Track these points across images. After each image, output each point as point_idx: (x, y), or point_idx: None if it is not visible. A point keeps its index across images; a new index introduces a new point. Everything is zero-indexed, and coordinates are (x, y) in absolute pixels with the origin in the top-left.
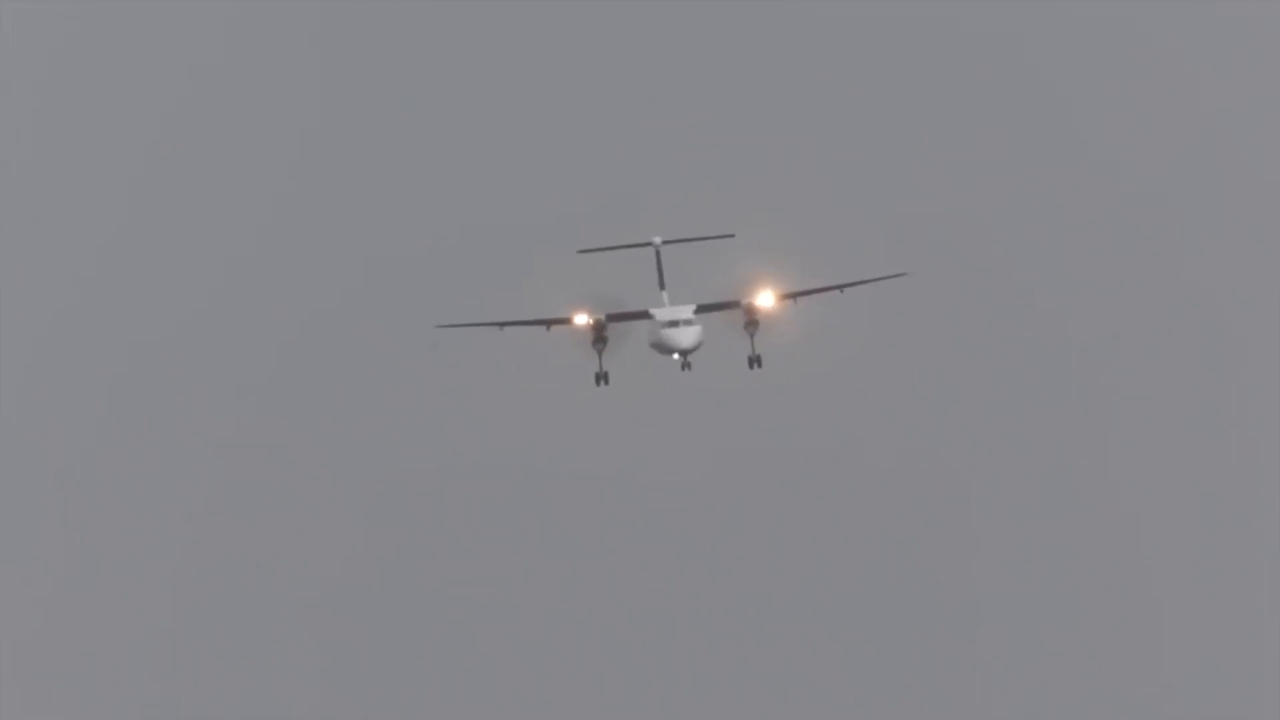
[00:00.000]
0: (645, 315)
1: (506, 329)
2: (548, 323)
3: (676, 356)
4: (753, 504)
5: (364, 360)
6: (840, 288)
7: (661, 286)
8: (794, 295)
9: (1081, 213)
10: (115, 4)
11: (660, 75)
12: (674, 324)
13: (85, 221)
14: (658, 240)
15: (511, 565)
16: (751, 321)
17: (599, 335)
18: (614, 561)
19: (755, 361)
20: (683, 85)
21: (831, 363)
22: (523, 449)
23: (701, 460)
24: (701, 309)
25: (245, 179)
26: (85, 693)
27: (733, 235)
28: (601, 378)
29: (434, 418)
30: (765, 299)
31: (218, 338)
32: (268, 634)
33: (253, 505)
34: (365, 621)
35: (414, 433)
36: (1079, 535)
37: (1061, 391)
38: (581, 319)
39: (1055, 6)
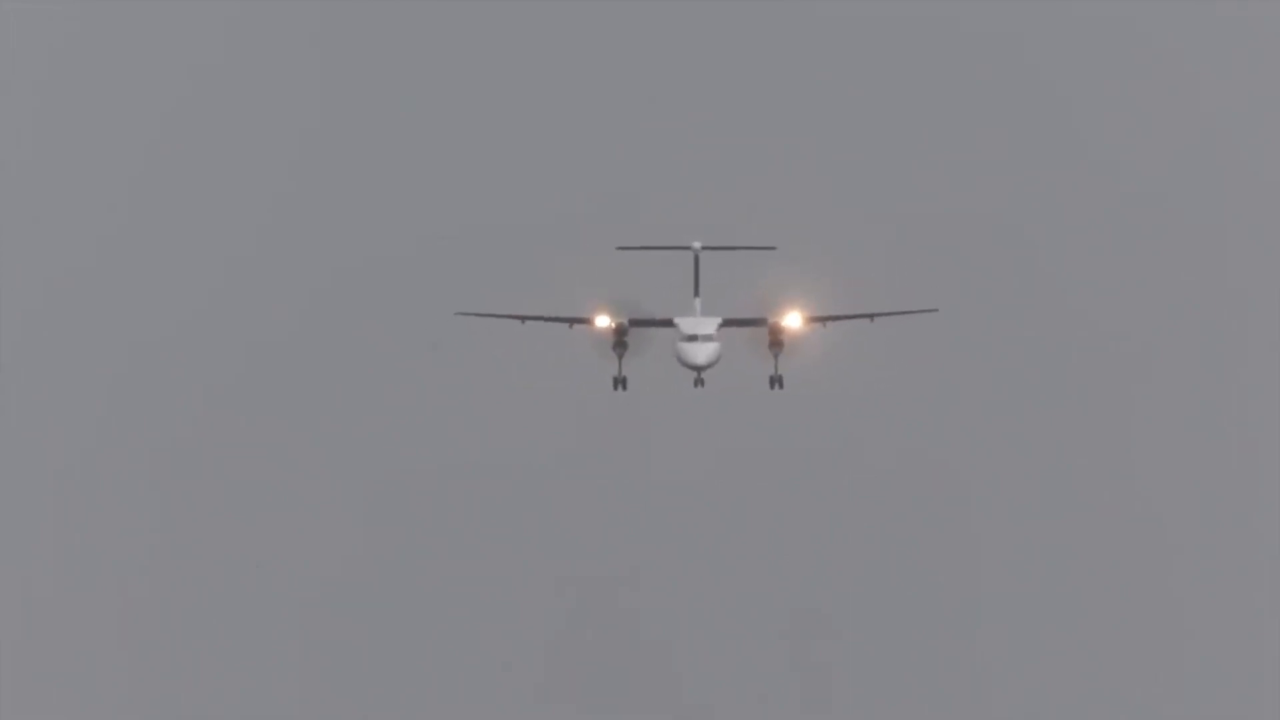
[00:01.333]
0: (669, 324)
1: (527, 323)
2: (570, 321)
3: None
4: (750, 521)
5: (382, 351)
6: (871, 316)
7: (695, 293)
8: (823, 319)
9: (1132, 258)
10: (116, 4)
11: (722, 80)
12: (693, 338)
13: (89, 216)
14: (697, 245)
15: (507, 567)
16: (776, 341)
17: (619, 339)
18: (608, 570)
19: (777, 382)
20: (743, 92)
21: (854, 391)
22: (528, 448)
23: (705, 474)
24: (727, 323)
25: (262, 172)
26: (84, 693)
27: (774, 248)
28: (619, 382)
29: (443, 412)
30: (792, 320)
31: (232, 326)
32: (275, 633)
33: (257, 501)
34: (369, 621)
35: (421, 427)
36: (1111, 572)
37: (1097, 435)
38: (603, 321)
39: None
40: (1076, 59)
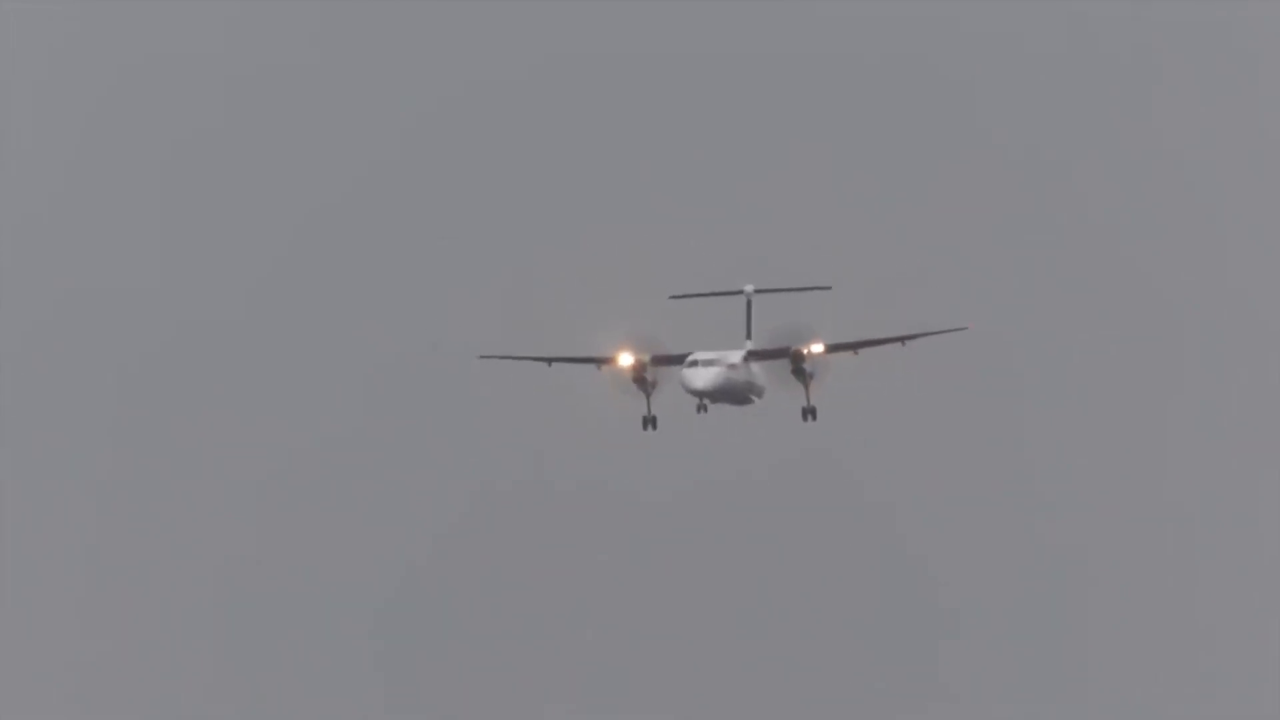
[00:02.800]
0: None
1: (555, 365)
2: (597, 361)
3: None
4: (775, 559)
5: (410, 395)
6: (902, 340)
7: (749, 336)
8: (852, 346)
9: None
10: (115, 4)
11: (773, 122)
12: (693, 364)
13: (93, 221)
14: (749, 289)
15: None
16: (799, 370)
17: (639, 375)
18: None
19: (810, 414)
20: (791, 133)
21: (887, 421)
22: (558, 488)
23: (730, 509)
24: (753, 355)
25: (281, 206)
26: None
27: (829, 287)
28: (649, 422)
29: (469, 451)
30: (814, 347)
31: (254, 359)
32: (285, 660)
33: (277, 529)
34: (388, 650)
35: (445, 467)
36: (1145, 596)
37: (1130, 457)
38: (625, 359)
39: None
40: (1120, 78)
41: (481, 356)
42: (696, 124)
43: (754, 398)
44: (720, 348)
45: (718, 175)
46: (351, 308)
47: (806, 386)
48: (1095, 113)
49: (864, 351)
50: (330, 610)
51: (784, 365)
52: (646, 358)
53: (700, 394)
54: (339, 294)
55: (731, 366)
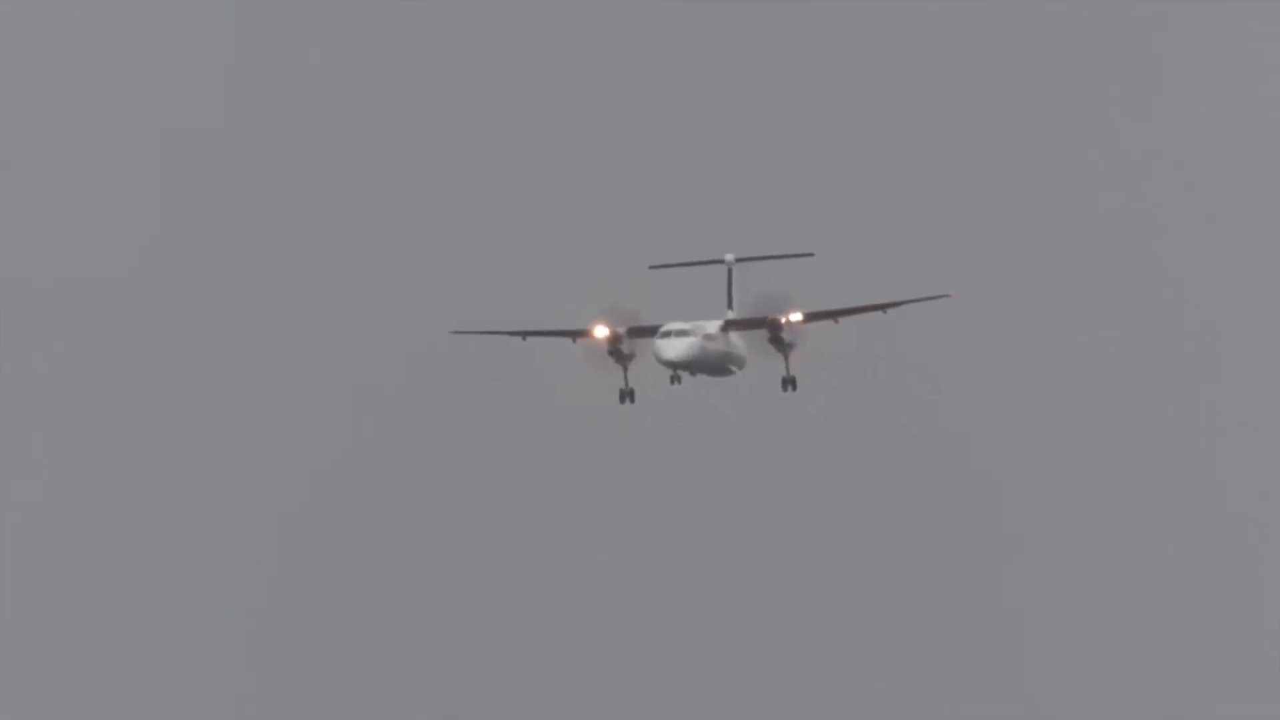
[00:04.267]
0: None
1: (530, 339)
2: (572, 334)
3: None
4: (758, 531)
5: (387, 370)
6: (883, 308)
7: (730, 306)
8: (832, 314)
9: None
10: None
11: (751, 88)
12: (666, 335)
13: (88, 218)
14: (730, 258)
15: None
16: (777, 339)
17: (615, 348)
18: (608, 588)
19: (790, 384)
20: (769, 100)
21: (868, 391)
22: (537, 464)
23: (711, 483)
24: (730, 325)
25: (259, 179)
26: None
27: (812, 254)
28: (626, 395)
29: (444, 427)
30: (793, 316)
31: (224, 335)
32: (273, 643)
33: (253, 509)
34: (366, 633)
35: (421, 443)
36: (1131, 574)
37: (1115, 423)
38: (600, 331)
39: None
40: (1085, 53)
41: (454, 332)
42: (676, 94)
43: (733, 368)
44: (702, 318)
45: (698, 145)
46: (324, 284)
47: (786, 356)
48: (1083, 75)
49: (844, 320)
50: (297, 587)
51: (763, 334)
52: (622, 329)
53: (673, 365)
54: (311, 270)
55: (707, 337)
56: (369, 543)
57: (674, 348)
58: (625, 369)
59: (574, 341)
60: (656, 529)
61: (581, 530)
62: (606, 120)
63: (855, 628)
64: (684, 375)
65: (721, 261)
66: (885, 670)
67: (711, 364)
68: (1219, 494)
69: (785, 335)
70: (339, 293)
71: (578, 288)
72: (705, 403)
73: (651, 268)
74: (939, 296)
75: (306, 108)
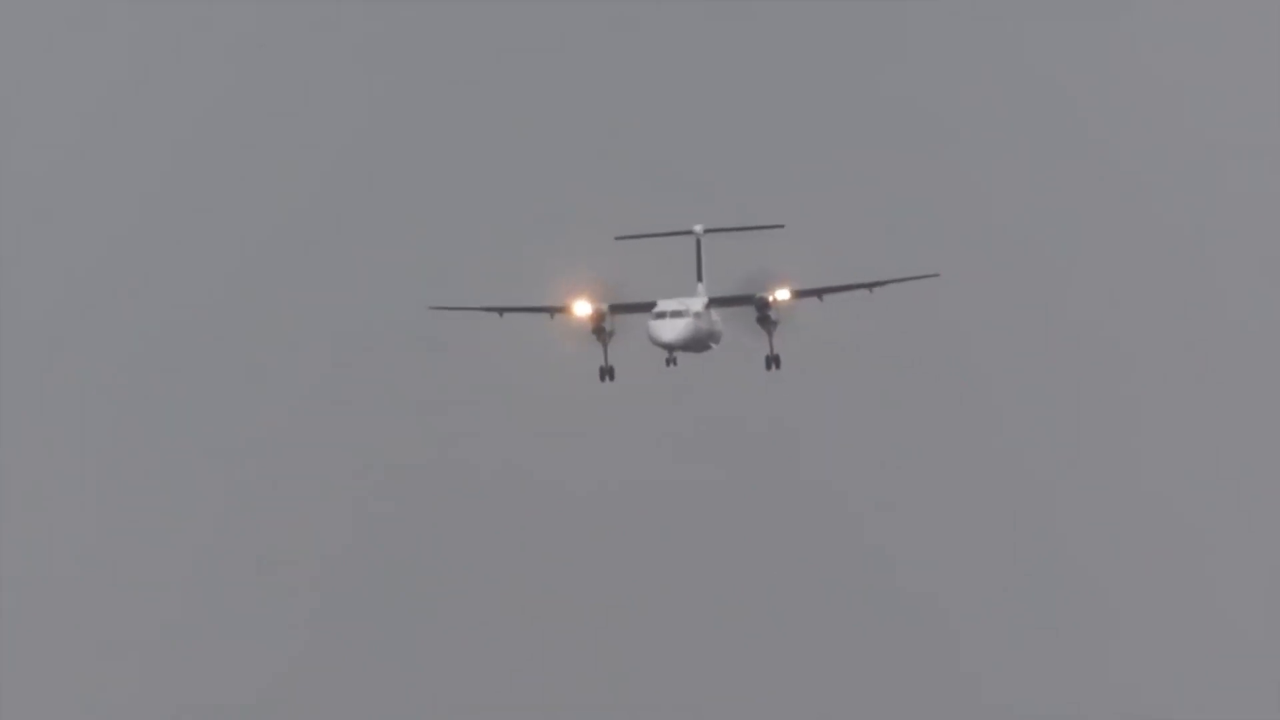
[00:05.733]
0: (650, 306)
1: (505, 315)
2: (550, 310)
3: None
4: (734, 512)
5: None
6: (869, 286)
7: (699, 278)
8: (818, 291)
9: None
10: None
11: (710, 59)
12: (661, 315)
13: (84, 209)
14: (699, 229)
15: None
16: (765, 318)
17: (598, 325)
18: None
19: (773, 362)
20: (738, 74)
21: (853, 370)
22: (515, 442)
23: (691, 464)
24: (715, 302)
25: (249, 160)
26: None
27: (783, 226)
28: (606, 373)
29: (419, 405)
30: (780, 293)
31: (203, 314)
32: (253, 628)
33: (230, 493)
34: (345, 623)
35: (396, 422)
36: (1113, 564)
37: (1097, 408)
38: (582, 308)
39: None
40: (1070, 38)
41: (432, 307)
42: (646, 63)
43: (713, 344)
44: (670, 290)
45: (666, 113)
46: (301, 262)
47: (770, 334)
48: (1069, 56)
49: (829, 298)
50: (277, 571)
51: (747, 313)
52: (605, 306)
53: (669, 346)
54: (289, 248)
55: (697, 315)
56: (334, 522)
57: (672, 329)
58: (605, 346)
59: (551, 318)
60: (642, 515)
61: (566, 517)
62: (577, 91)
63: (832, 618)
64: (669, 355)
65: (690, 233)
66: (866, 656)
67: (700, 342)
68: (1213, 477)
69: (771, 313)
70: (317, 269)
71: (542, 261)
72: (688, 382)
73: (617, 239)
74: (926, 276)
75: (292, 89)
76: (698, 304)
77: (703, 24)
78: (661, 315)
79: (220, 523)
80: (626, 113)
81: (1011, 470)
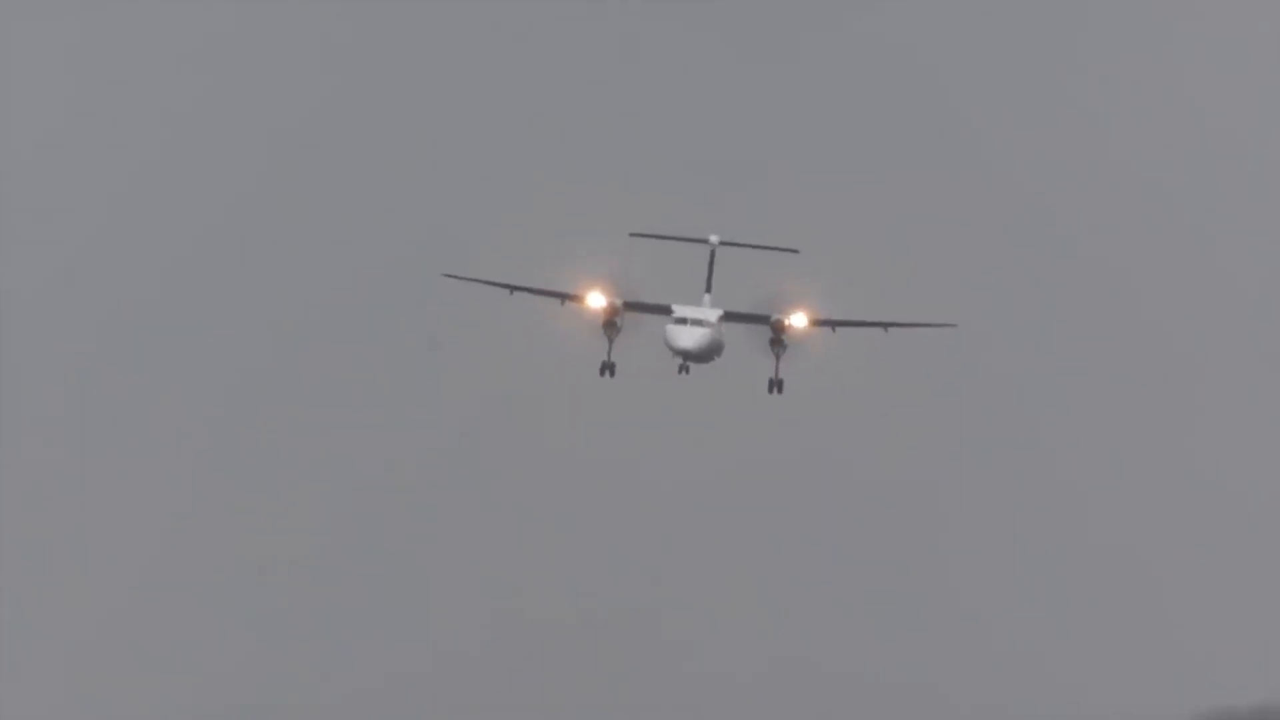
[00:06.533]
0: (666, 310)
1: (517, 294)
2: (562, 296)
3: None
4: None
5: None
6: (885, 326)
7: (708, 289)
8: (833, 323)
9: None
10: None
11: (758, 77)
12: (682, 321)
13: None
14: (714, 239)
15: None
16: (777, 341)
17: (610, 320)
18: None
19: (776, 386)
20: (775, 92)
21: (854, 405)
22: (506, 430)
23: (680, 471)
24: (730, 317)
25: (267, 125)
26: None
27: (797, 251)
28: (607, 368)
29: (413, 381)
30: (797, 319)
31: (211, 273)
32: (243, 614)
33: (217, 469)
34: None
35: (397, 389)
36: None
37: (1102, 463)
38: (597, 300)
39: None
40: (1108, 70)
41: (445, 275)
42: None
43: (716, 357)
44: (676, 297)
45: (700, 126)
46: (310, 251)
47: (778, 358)
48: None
49: (842, 332)
50: (270, 540)
51: (758, 332)
52: (619, 302)
53: (685, 352)
54: (308, 206)
55: (713, 326)
56: (335, 487)
57: (691, 336)
58: (611, 341)
59: (562, 304)
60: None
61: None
62: (611, 94)
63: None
64: (682, 363)
65: (705, 241)
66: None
67: (711, 354)
68: (1231, 513)
69: (784, 337)
70: (326, 255)
71: (552, 248)
72: (689, 390)
73: (632, 235)
74: (944, 325)
75: (305, 65)
76: (713, 315)
77: (756, 50)
78: (683, 321)
79: (210, 496)
80: (661, 119)
81: (1000, 530)
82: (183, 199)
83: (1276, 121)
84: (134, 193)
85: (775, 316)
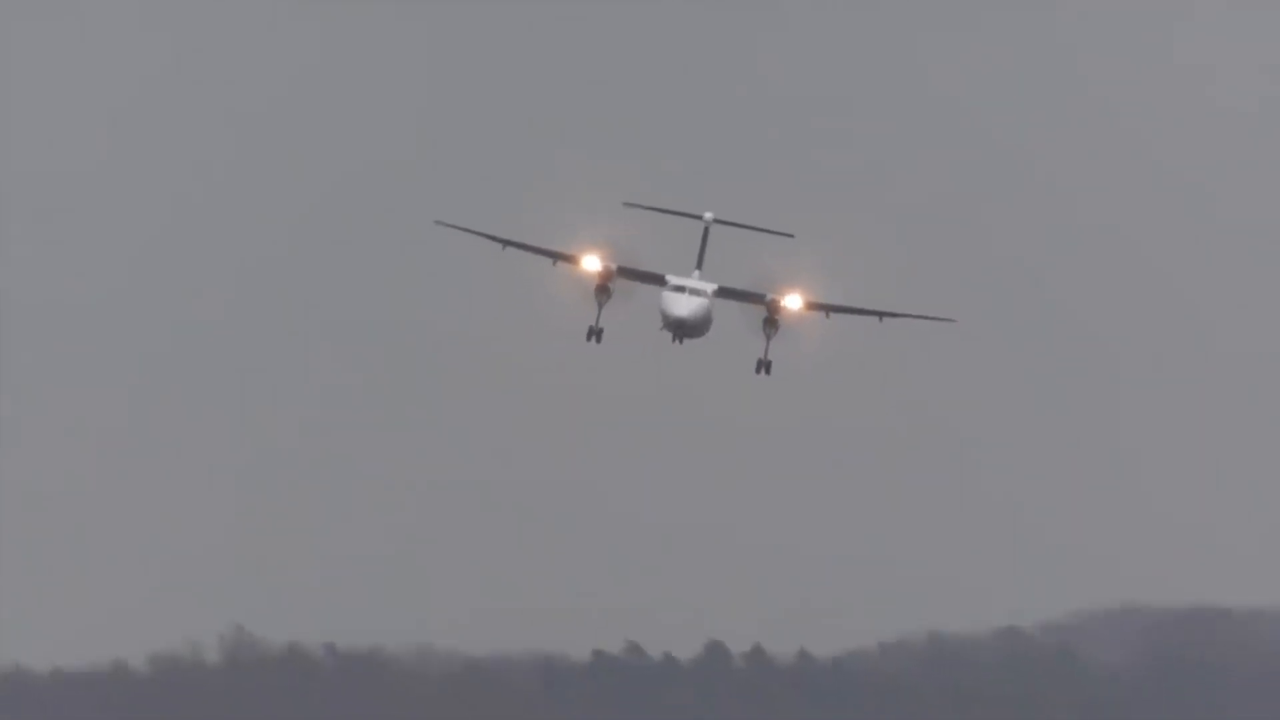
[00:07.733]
0: (660, 280)
1: (508, 249)
2: (554, 256)
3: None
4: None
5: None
6: (880, 315)
7: (698, 266)
8: (827, 308)
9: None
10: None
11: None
12: (680, 289)
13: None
14: (709, 216)
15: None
16: (770, 322)
17: (603, 285)
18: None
19: (764, 367)
20: (782, 75)
21: (843, 390)
22: (487, 388)
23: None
24: (723, 293)
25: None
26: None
27: (792, 236)
28: (595, 334)
29: (396, 332)
30: (792, 301)
31: (197, 223)
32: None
33: (210, 418)
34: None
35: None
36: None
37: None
38: (592, 263)
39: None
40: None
41: (437, 222)
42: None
43: (705, 331)
44: (668, 270)
45: (699, 108)
46: (318, 222)
47: (769, 339)
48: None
49: (836, 317)
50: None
51: (750, 310)
52: (614, 267)
53: (680, 321)
54: (308, 206)
55: (709, 298)
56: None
57: (687, 305)
58: (601, 307)
59: (554, 264)
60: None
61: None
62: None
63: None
64: (673, 334)
65: (699, 217)
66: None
67: (702, 327)
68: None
69: (778, 318)
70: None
71: (544, 209)
72: (676, 362)
73: (625, 204)
74: (942, 319)
75: (305, 64)
76: (709, 288)
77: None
78: (680, 289)
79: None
80: (660, 110)
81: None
82: (183, 199)
83: (1277, 121)
84: (134, 192)
85: (771, 296)
